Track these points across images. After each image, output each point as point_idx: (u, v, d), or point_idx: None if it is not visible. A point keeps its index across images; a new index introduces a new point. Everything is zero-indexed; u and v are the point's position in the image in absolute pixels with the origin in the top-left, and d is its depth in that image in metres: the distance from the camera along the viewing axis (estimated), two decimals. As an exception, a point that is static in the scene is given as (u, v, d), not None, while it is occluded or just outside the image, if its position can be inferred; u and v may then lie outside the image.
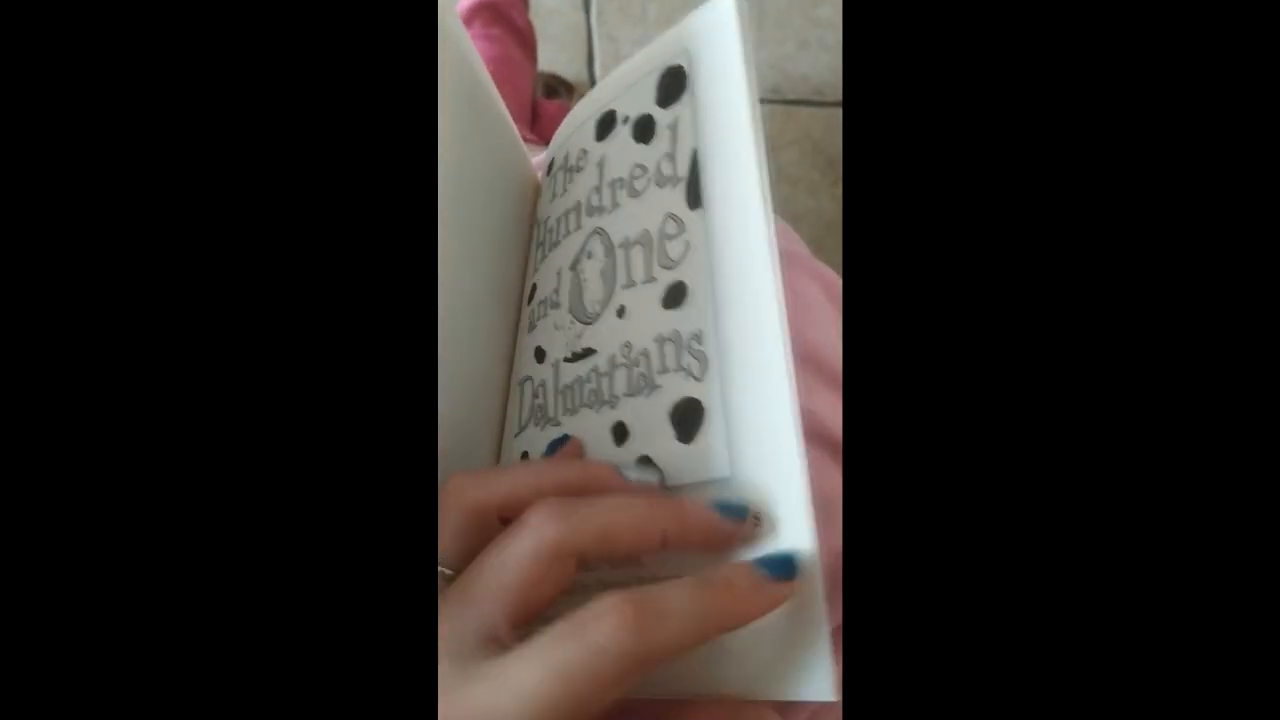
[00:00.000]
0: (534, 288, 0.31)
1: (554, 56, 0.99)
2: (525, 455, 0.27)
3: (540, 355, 0.29)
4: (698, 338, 0.24)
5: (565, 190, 0.31)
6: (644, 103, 0.28)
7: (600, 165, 0.29)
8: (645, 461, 0.23)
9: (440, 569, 0.19)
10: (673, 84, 0.28)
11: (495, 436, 0.29)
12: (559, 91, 0.94)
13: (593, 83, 1.01)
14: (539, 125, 0.77)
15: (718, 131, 0.25)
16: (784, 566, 0.19)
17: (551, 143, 0.35)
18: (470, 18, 0.74)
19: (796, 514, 0.20)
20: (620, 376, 0.25)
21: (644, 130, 0.28)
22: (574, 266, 0.29)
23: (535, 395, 0.28)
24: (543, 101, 0.82)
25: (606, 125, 0.30)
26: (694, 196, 0.25)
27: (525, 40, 0.76)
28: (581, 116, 0.32)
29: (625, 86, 0.30)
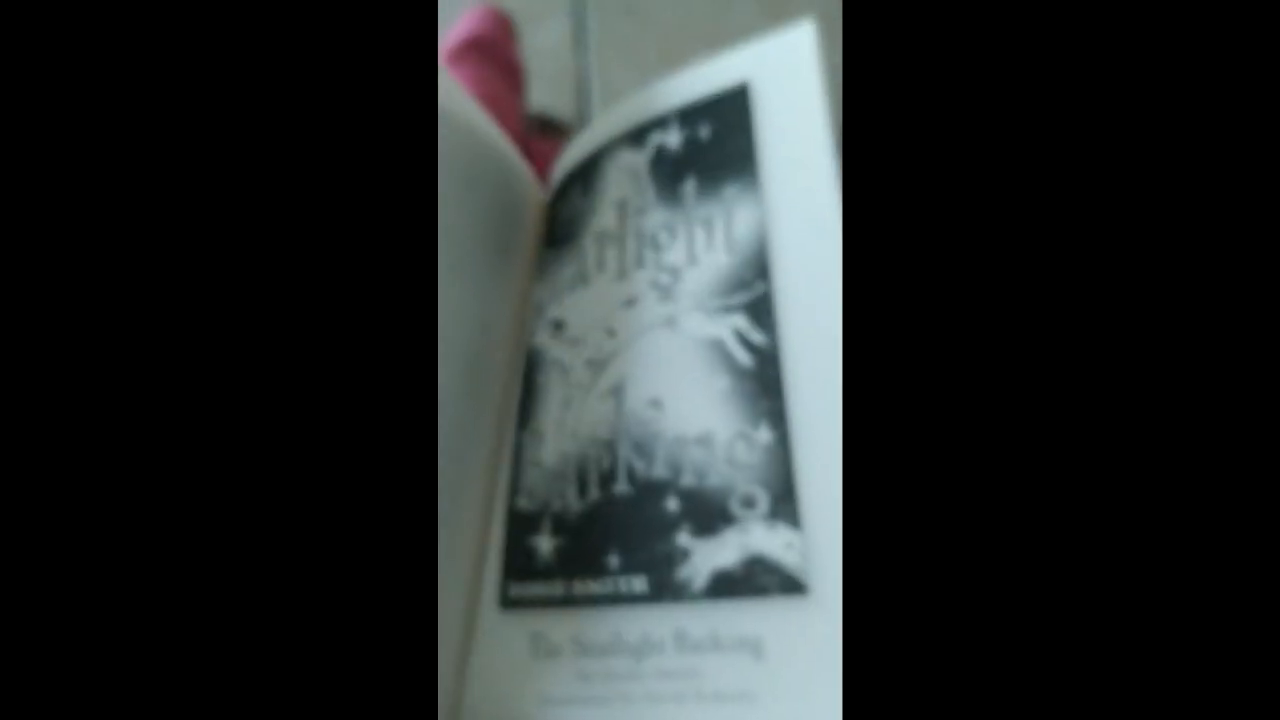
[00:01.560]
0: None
1: (548, 99, 0.98)
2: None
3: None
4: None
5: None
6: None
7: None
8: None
9: None
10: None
11: (495, 431, 0.27)
12: (550, 131, 0.92)
13: (586, 124, 0.99)
14: (529, 166, 0.74)
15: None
16: None
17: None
18: (460, 57, 0.72)
19: None
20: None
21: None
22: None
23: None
24: (534, 141, 0.80)
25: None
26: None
27: (513, 76, 0.75)
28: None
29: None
